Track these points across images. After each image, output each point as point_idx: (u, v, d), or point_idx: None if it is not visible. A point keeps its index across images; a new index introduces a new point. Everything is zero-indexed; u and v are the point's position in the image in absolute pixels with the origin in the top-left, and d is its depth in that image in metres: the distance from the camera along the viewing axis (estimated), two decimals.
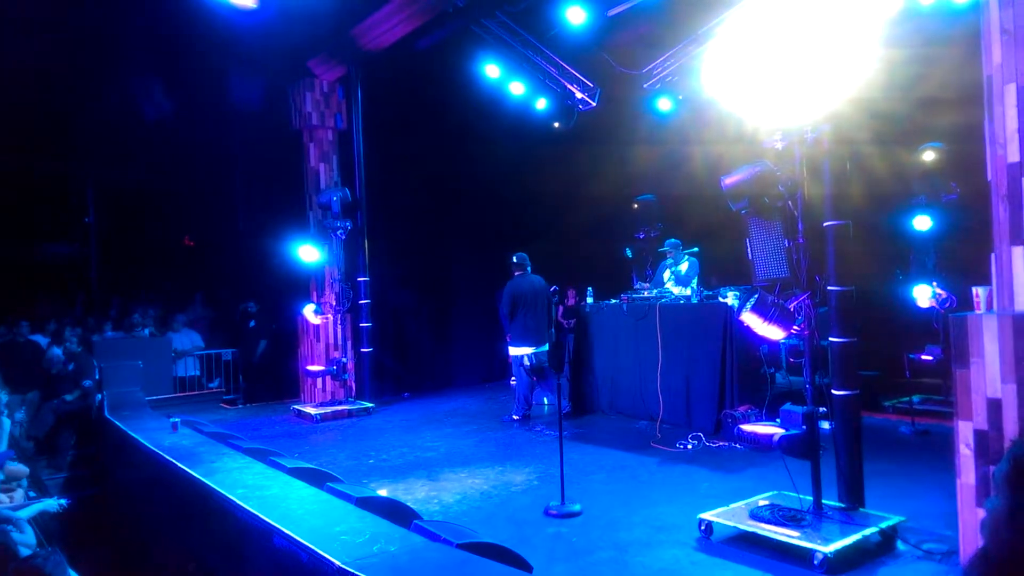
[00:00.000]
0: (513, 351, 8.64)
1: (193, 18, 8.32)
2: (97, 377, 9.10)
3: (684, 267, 8.52)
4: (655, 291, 8.20)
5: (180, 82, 10.60)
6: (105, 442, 8.14)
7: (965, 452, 3.50)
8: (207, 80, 10.32)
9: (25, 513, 4.39)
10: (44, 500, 4.87)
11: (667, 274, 8.60)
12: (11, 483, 5.32)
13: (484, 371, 11.77)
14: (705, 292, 7.75)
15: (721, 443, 6.72)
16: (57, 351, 9.48)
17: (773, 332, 4.13)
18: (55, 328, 10.43)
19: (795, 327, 4.18)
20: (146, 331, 10.73)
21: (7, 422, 6.25)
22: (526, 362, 8.46)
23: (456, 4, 8.31)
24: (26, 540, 3.88)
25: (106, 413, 7.98)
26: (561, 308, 11.33)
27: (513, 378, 11.53)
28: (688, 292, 7.90)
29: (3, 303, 11.24)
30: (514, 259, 8.64)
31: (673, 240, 8.65)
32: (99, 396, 8.84)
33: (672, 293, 8.13)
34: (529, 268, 8.61)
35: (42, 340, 10.22)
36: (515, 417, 8.50)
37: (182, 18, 8.68)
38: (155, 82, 10.75)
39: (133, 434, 6.62)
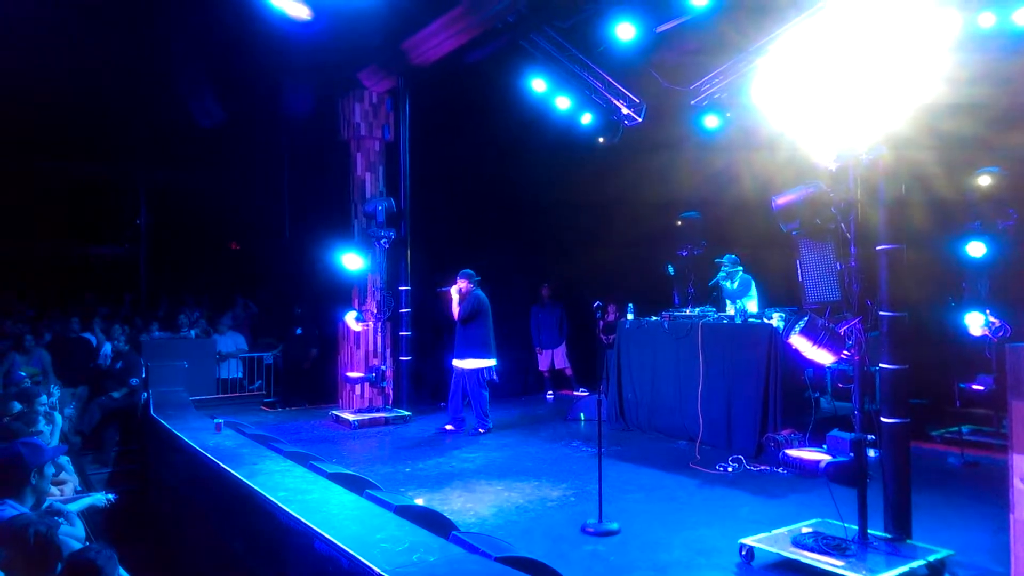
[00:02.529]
0: (477, 363, 8.59)
1: (248, 27, 8.51)
2: (143, 376, 9.31)
3: (736, 284, 8.41)
4: (698, 309, 8.13)
5: (233, 89, 10.84)
6: (149, 440, 8.31)
7: (1020, 487, 3.38)
8: (259, 88, 10.54)
9: (75, 507, 4.49)
10: (92, 494, 4.97)
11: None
12: (60, 474, 5.44)
13: (519, 383, 11.75)
14: (748, 313, 7.65)
15: (763, 467, 6.60)
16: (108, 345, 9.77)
17: (822, 356, 4.06)
18: (103, 326, 10.72)
19: (845, 352, 4.10)
20: (192, 332, 10.95)
21: (59, 418, 6.42)
22: (494, 376, 8.73)
23: (506, 19, 8.37)
24: (75, 533, 3.96)
25: (151, 411, 8.15)
26: (601, 323, 11.29)
27: (551, 392, 11.54)
28: (744, 308, 7.80)
29: (57, 301, 11.61)
30: (471, 272, 8.74)
31: (730, 255, 8.52)
32: (145, 394, 9.04)
33: (713, 312, 8.06)
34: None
35: (92, 338, 10.52)
36: (481, 431, 8.53)
37: (237, 26, 8.89)
38: (208, 88, 11.00)
39: (178, 433, 6.76)
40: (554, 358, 11.60)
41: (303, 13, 7.60)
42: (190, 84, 10.48)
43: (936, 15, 3.89)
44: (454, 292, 8.64)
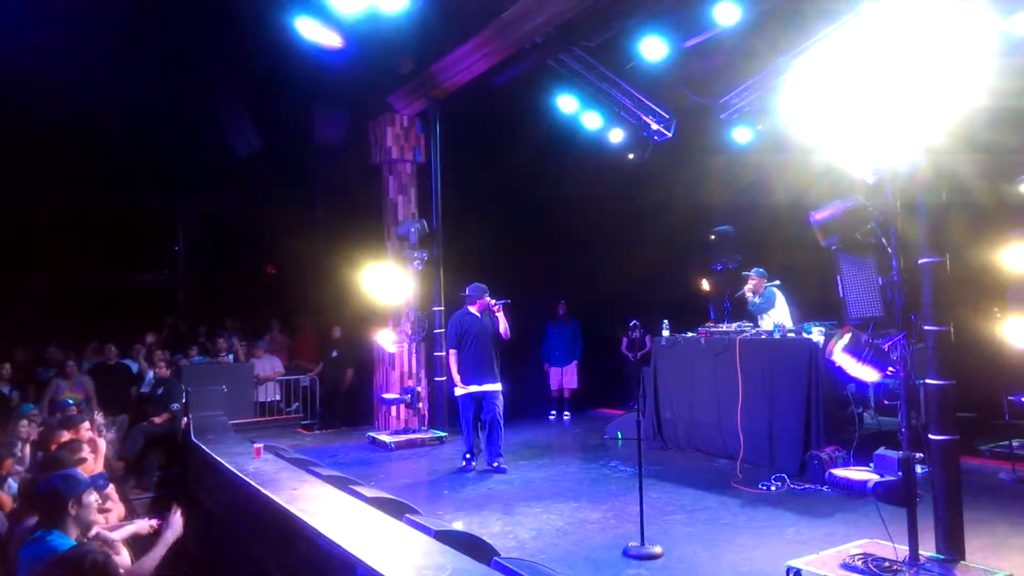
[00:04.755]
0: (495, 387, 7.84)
1: (282, 56, 8.69)
2: (184, 401, 9.44)
3: (759, 298, 8.28)
4: (735, 324, 8.03)
5: (267, 117, 11.06)
6: (190, 465, 8.41)
7: None
8: (293, 115, 10.74)
9: (119, 535, 4.57)
10: (136, 522, 5.04)
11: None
12: (106, 503, 5.53)
13: (554, 404, 11.70)
14: (787, 328, 7.53)
15: (807, 485, 6.45)
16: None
17: (867, 373, 3.98)
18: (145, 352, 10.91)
19: (890, 368, 4.01)
20: (230, 356, 11.09)
21: (103, 444, 6.53)
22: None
23: (534, 41, 8.44)
24: (123, 562, 4.02)
25: (192, 436, 8.25)
26: (625, 340, 11.25)
27: (568, 414, 11.42)
28: (770, 324, 7.70)
29: (97, 329, 11.83)
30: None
31: (757, 268, 8.36)
32: (185, 419, 9.16)
33: (751, 327, 7.96)
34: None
35: (132, 364, 10.70)
36: (475, 464, 7.79)
37: (272, 57, 9.08)
38: (244, 117, 11.23)
39: (218, 458, 6.81)
40: (564, 376, 11.54)
41: (335, 41, 7.75)
42: (226, 114, 10.71)
43: (972, 22, 3.83)
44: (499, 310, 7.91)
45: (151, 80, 9.99)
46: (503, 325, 7.83)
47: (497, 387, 7.81)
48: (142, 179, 12.63)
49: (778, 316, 8.08)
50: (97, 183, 12.47)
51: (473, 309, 7.90)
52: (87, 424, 6.34)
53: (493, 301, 7.85)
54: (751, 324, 8.08)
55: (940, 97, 3.82)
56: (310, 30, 7.86)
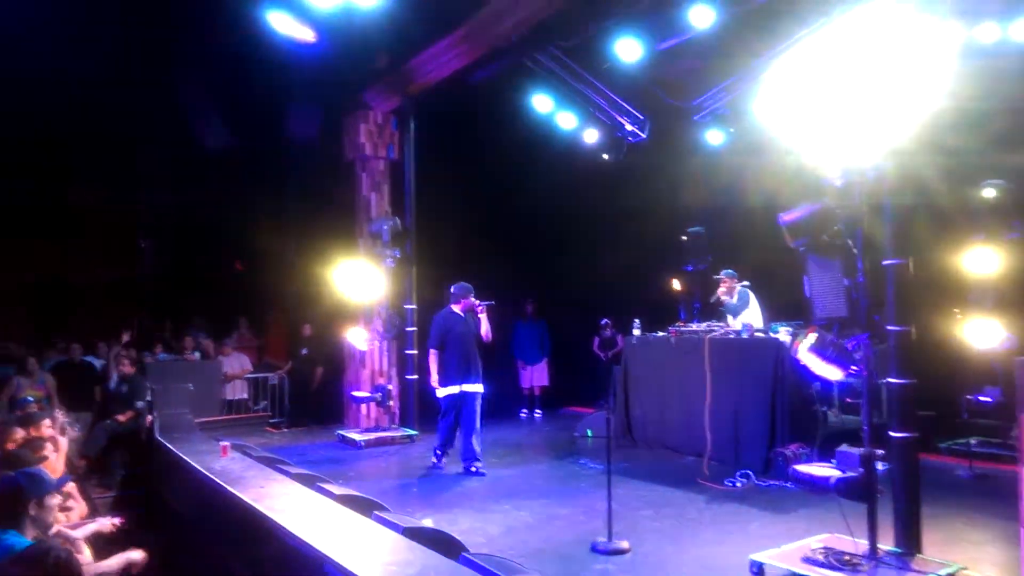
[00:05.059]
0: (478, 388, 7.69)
1: (253, 49, 8.58)
2: (149, 399, 9.28)
3: (735, 298, 8.41)
4: (704, 324, 8.13)
5: (239, 111, 10.91)
6: (155, 463, 8.28)
7: None
8: (264, 109, 10.61)
9: (80, 533, 4.49)
10: (98, 520, 4.96)
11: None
12: (67, 501, 5.42)
13: (525, 402, 11.74)
14: (756, 327, 7.63)
15: (771, 482, 6.57)
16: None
17: (832, 372, 4.06)
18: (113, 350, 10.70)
19: (853, 367, 4.10)
20: (196, 353, 10.94)
21: (64, 442, 6.39)
22: None
23: (509, 39, 8.42)
24: (84, 560, 3.96)
25: (157, 434, 8.12)
26: (597, 339, 11.32)
27: (539, 412, 11.44)
28: (739, 324, 7.80)
29: (60, 325, 11.62)
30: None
31: (727, 270, 8.50)
32: (150, 417, 9.01)
33: (720, 327, 8.06)
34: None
35: (96, 361, 10.50)
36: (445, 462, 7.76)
37: (242, 48, 8.96)
38: (213, 110, 11.07)
39: (183, 456, 6.72)
40: (534, 375, 11.59)
41: (307, 35, 7.69)
42: (196, 108, 10.55)
43: (939, 29, 3.92)
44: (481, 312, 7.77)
45: (112, 67, 9.79)
46: (484, 327, 7.70)
47: (479, 388, 7.65)
48: (104, 171, 12.40)
49: (751, 316, 8.21)
50: (60, 178, 12.23)
51: (457, 308, 7.79)
52: (47, 421, 6.20)
53: (478, 302, 7.75)
54: (720, 324, 8.18)
55: (907, 101, 3.91)
56: (283, 24, 7.78)
